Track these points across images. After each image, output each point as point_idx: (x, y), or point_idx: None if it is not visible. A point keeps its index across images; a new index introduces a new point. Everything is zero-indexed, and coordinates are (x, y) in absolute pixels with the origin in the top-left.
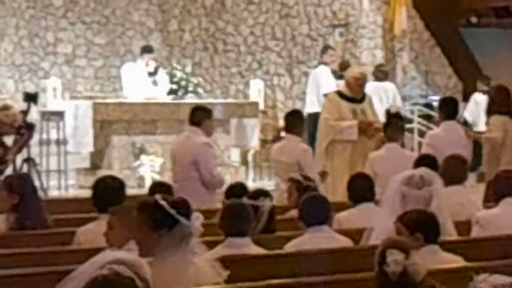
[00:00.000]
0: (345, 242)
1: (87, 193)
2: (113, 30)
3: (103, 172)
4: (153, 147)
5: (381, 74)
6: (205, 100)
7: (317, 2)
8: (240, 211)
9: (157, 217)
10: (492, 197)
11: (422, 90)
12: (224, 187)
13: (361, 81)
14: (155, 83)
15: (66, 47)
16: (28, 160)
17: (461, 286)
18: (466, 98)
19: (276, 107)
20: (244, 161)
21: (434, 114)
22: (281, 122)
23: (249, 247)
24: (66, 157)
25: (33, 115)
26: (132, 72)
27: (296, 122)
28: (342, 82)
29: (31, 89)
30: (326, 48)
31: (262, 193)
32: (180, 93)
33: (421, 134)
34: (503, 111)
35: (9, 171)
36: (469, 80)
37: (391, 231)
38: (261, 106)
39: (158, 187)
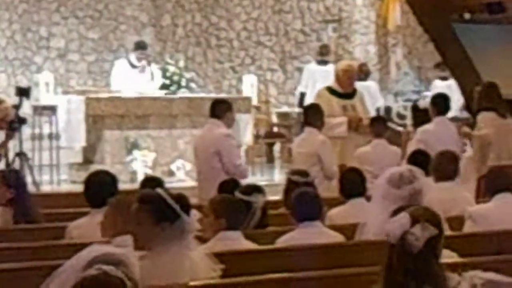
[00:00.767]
0: (337, 237)
1: (79, 187)
2: (106, 25)
3: (95, 167)
4: (145, 142)
5: (362, 73)
6: (198, 95)
7: None
8: (232, 205)
9: (160, 211)
10: (485, 193)
11: (415, 86)
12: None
13: (349, 73)
14: (147, 78)
15: (59, 42)
16: (20, 154)
17: None
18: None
19: (269, 102)
20: None
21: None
22: (274, 118)
23: (239, 241)
24: (59, 151)
25: (26, 110)
26: (122, 68)
27: (315, 115)
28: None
29: (23, 83)
30: (325, 47)
31: (255, 189)
32: (173, 88)
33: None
34: (491, 108)
35: (1, 165)
36: (462, 76)
37: (380, 226)
38: (254, 101)
39: (149, 181)
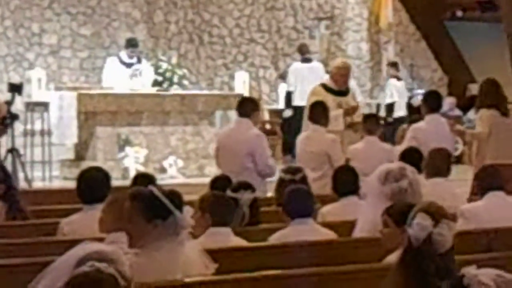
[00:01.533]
0: (329, 234)
1: (71, 184)
2: (99, 21)
3: (87, 164)
4: (137, 139)
5: (395, 68)
6: (190, 92)
7: None
8: (217, 201)
9: (152, 208)
10: (477, 191)
11: (407, 83)
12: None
13: (343, 70)
14: (137, 75)
15: (51, 38)
16: (12, 150)
17: None
18: (451, 92)
19: (261, 99)
20: None
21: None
22: (266, 115)
23: (229, 237)
24: (51, 148)
25: (18, 106)
26: (113, 66)
27: (321, 113)
28: None
29: (15, 79)
30: (304, 46)
31: (243, 186)
32: (165, 84)
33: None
34: (492, 105)
35: None
36: (454, 73)
37: (374, 223)
38: None
39: (141, 178)
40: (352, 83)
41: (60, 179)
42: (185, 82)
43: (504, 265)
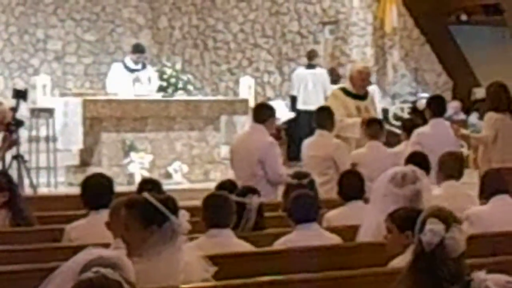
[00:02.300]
0: (334, 239)
1: (76, 190)
2: (103, 27)
3: (92, 169)
4: (142, 144)
5: (336, 76)
6: (195, 97)
7: (307, 0)
8: (220, 202)
9: (147, 214)
10: (482, 195)
11: (412, 87)
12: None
13: (364, 75)
14: (142, 81)
15: (56, 44)
16: (18, 157)
17: None
18: (455, 96)
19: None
20: None
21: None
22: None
23: (231, 238)
24: (56, 154)
25: (23, 112)
26: (118, 72)
27: (327, 118)
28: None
29: (20, 86)
30: (313, 52)
31: (249, 190)
32: (170, 90)
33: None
34: (501, 109)
35: None
36: (458, 77)
37: (378, 228)
38: (251, 103)
39: (146, 184)
40: (374, 87)
41: (65, 185)
42: (190, 87)
43: (509, 269)
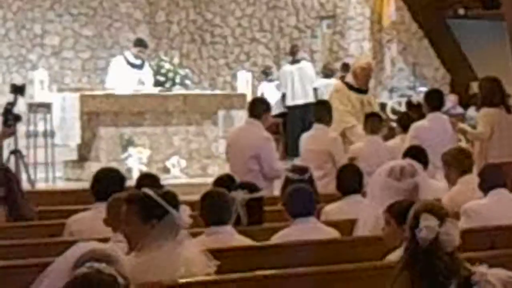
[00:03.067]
0: (332, 233)
1: (74, 185)
2: (101, 22)
3: (90, 164)
4: (140, 139)
5: (329, 71)
6: (193, 92)
7: None
8: (218, 199)
9: (147, 209)
10: (480, 189)
11: (410, 82)
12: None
13: (367, 71)
14: (140, 77)
15: (53, 39)
16: (15, 152)
17: None
18: (453, 90)
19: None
20: None
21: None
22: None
23: (232, 235)
24: (54, 149)
25: (20, 107)
26: (119, 66)
27: (324, 112)
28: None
29: (18, 81)
30: (295, 47)
31: (240, 186)
32: (167, 84)
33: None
34: (495, 104)
35: None
36: (456, 71)
37: (376, 221)
38: (249, 98)
39: (145, 179)
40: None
41: (63, 180)
42: (188, 82)
43: (507, 263)
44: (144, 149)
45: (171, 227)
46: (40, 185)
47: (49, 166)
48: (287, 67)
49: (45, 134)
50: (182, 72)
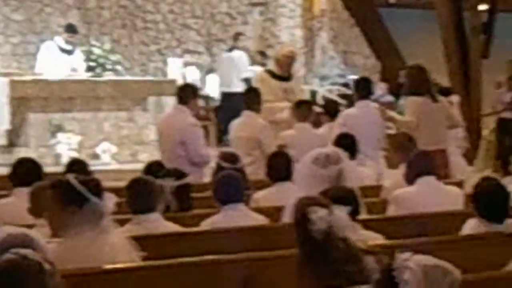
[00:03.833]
0: (261, 220)
1: (4, 170)
2: (31, 7)
3: (19, 150)
4: (70, 125)
5: (264, 58)
6: (124, 78)
7: None
8: (144, 187)
9: (67, 195)
10: (409, 176)
11: (340, 69)
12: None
13: (290, 59)
14: (72, 63)
15: None
16: None
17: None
18: (384, 78)
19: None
20: None
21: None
22: (200, 101)
23: (159, 222)
24: None
25: None
26: (49, 51)
27: (255, 99)
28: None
29: None
30: (238, 34)
31: (167, 173)
32: (98, 70)
33: None
34: (421, 92)
35: None
36: (387, 60)
37: None
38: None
39: (74, 165)
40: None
41: None
42: (119, 67)
43: (435, 250)
44: (74, 135)
45: (93, 215)
46: None
47: None
48: (222, 54)
49: None
50: (113, 57)
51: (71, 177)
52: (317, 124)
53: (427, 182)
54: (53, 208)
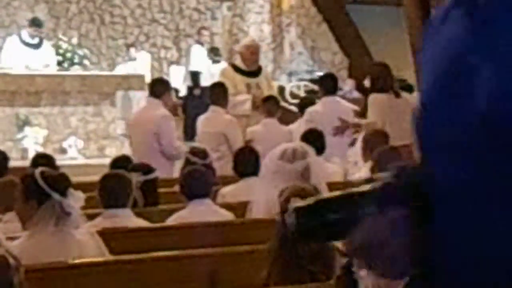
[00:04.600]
0: (227, 215)
1: None
2: None
3: None
4: (37, 119)
5: (217, 55)
6: (91, 72)
7: None
8: (116, 182)
9: (30, 190)
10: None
11: (308, 65)
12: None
13: (252, 48)
14: (39, 56)
15: None
16: None
17: None
18: (351, 74)
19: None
20: None
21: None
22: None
23: (129, 218)
24: None
25: None
26: (13, 46)
27: (220, 94)
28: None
29: None
30: (201, 29)
31: (134, 168)
32: (65, 64)
33: None
34: (384, 89)
35: None
36: (355, 56)
37: (268, 204)
38: (148, 79)
39: (40, 159)
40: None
41: None
42: (86, 62)
43: None
44: (41, 129)
45: (53, 211)
46: None
47: None
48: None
49: None
50: (80, 52)
51: (37, 172)
52: (283, 120)
53: None
54: (19, 201)
